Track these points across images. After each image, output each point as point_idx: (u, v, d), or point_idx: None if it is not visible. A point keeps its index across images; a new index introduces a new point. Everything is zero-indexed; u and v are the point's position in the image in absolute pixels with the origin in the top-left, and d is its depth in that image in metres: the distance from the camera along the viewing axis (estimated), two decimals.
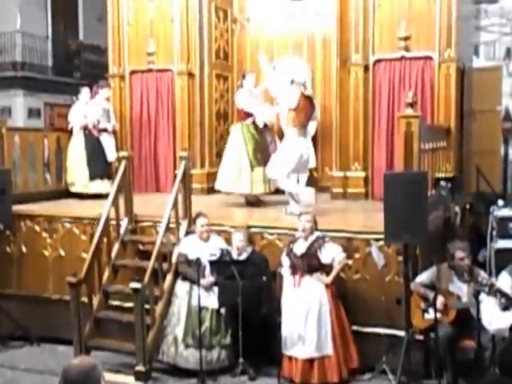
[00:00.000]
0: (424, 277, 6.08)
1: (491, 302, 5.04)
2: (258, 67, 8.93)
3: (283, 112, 8.25)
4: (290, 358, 6.19)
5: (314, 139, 9.24)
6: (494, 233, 7.94)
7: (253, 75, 8.67)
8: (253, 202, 8.48)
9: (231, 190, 8.39)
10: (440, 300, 5.77)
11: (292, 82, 7.83)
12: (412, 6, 8.59)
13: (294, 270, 6.26)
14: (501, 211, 8.06)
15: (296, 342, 6.13)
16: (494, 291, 4.95)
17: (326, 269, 6.25)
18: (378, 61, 8.85)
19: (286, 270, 6.33)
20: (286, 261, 6.35)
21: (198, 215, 6.83)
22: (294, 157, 7.60)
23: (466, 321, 5.67)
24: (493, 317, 5.01)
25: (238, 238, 6.53)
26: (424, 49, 8.59)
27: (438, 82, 8.54)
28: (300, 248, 6.28)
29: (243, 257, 6.51)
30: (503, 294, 4.94)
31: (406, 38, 8.61)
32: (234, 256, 6.54)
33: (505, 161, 11.22)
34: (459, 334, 5.74)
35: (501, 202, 8.26)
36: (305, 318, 6.11)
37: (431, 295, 5.77)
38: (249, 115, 8.42)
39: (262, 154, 8.35)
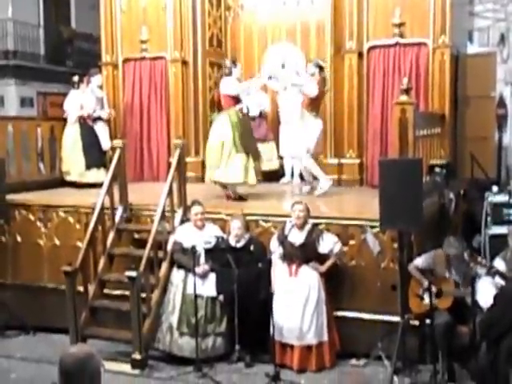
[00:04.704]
0: (421, 260, 6.07)
1: (487, 282, 5.09)
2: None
3: (283, 96, 8.25)
4: (284, 345, 6.20)
5: None
6: (489, 219, 7.97)
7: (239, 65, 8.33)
8: (237, 197, 7.86)
9: (223, 180, 7.79)
10: (434, 288, 5.77)
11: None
12: None
13: (290, 259, 6.26)
14: (495, 197, 8.09)
15: (293, 330, 6.14)
16: (493, 272, 5.01)
17: (321, 258, 6.27)
18: (373, 47, 8.84)
19: (277, 257, 6.32)
20: (278, 249, 6.34)
21: (193, 203, 6.81)
22: (314, 136, 7.88)
23: (462, 308, 5.68)
24: (489, 296, 5.05)
25: (237, 226, 6.49)
26: (418, 35, 8.58)
27: (433, 69, 8.54)
28: (297, 238, 6.28)
29: (241, 244, 6.49)
30: (502, 276, 5.00)
31: (401, 25, 8.59)
32: (232, 243, 6.51)
33: (499, 147, 11.23)
34: (455, 321, 5.75)
35: (495, 188, 8.29)
36: (303, 305, 6.13)
37: (426, 281, 5.78)
38: (236, 102, 7.90)
39: (245, 142, 7.77)
